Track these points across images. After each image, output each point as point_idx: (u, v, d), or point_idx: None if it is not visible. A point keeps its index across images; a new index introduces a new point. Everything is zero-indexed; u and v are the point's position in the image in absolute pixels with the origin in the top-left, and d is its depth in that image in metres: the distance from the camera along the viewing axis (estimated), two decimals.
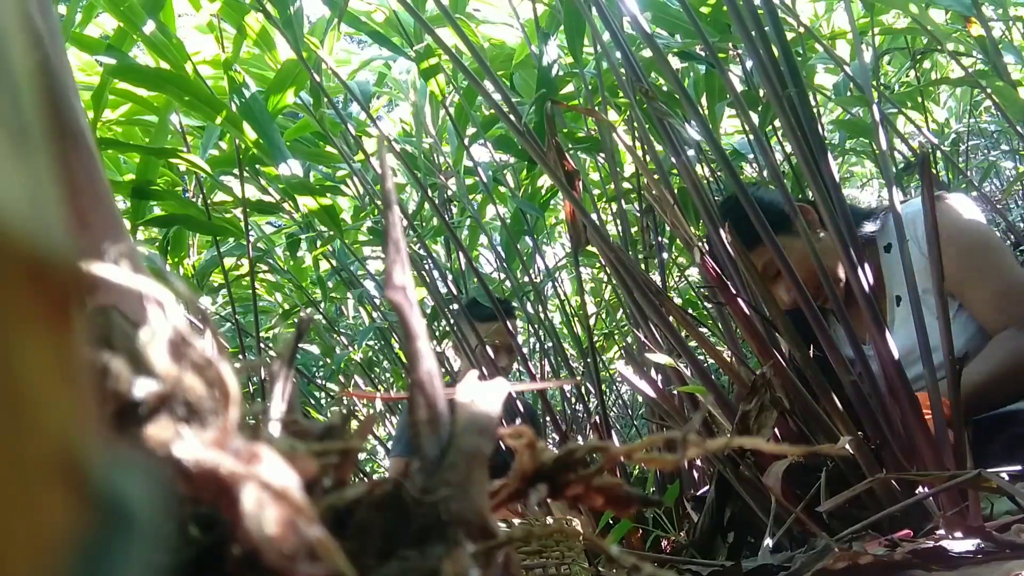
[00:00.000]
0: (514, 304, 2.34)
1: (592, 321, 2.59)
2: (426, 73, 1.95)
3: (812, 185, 1.12)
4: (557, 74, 1.79)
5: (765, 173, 1.93)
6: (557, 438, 2.12)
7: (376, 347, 2.94)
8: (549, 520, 0.92)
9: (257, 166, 1.94)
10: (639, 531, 1.41)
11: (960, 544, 0.68)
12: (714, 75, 1.95)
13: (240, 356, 2.10)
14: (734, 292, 1.17)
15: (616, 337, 2.98)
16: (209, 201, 1.97)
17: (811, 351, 1.15)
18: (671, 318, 1.30)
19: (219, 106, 1.61)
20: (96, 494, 0.15)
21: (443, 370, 2.33)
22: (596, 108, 1.86)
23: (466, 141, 2.11)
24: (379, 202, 2.04)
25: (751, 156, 2.18)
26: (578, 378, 2.62)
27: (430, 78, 1.98)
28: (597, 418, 2.25)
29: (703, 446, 0.25)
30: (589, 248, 1.70)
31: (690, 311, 2.30)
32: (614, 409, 3.47)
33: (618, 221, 1.99)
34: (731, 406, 1.26)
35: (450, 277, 2.36)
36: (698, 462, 1.73)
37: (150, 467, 0.18)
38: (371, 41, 2.00)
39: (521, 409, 2.06)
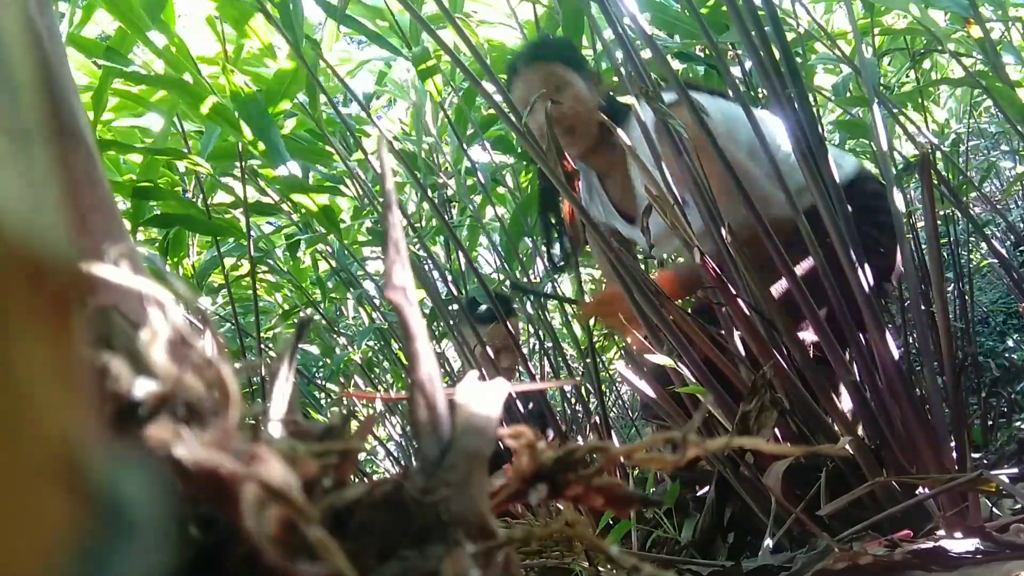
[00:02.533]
0: (515, 305, 2.34)
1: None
2: (424, 74, 1.95)
3: (812, 185, 1.12)
4: None
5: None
6: (557, 438, 2.12)
7: (376, 347, 2.94)
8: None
9: (254, 163, 1.94)
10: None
11: (960, 544, 0.68)
12: (714, 76, 1.95)
13: (240, 356, 2.10)
14: (734, 292, 1.17)
15: (616, 337, 2.98)
16: (209, 202, 1.97)
17: (811, 352, 1.15)
18: (671, 318, 1.30)
19: (220, 108, 1.61)
20: (96, 494, 0.15)
21: (443, 370, 2.32)
22: None
23: (464, 143, 2.11)
24: (378, 202, 2.04)
25: None
26: (578, 378, 2.62)
27: (427, 79, 1.99)
28: (597, 418, 2.25)
29: (703, 446, 0.25)
30: (589, 248, 1.69)
31: (690, 311, 2.30)
32: (614, 409, 3.47)
33: None
34: (731, 406, 1.26)
35: (450, 277, 2.36)
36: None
37: (150, 467, 0.18)
38: (370, 41, 2.00)
39: (528, 407, 2.05)
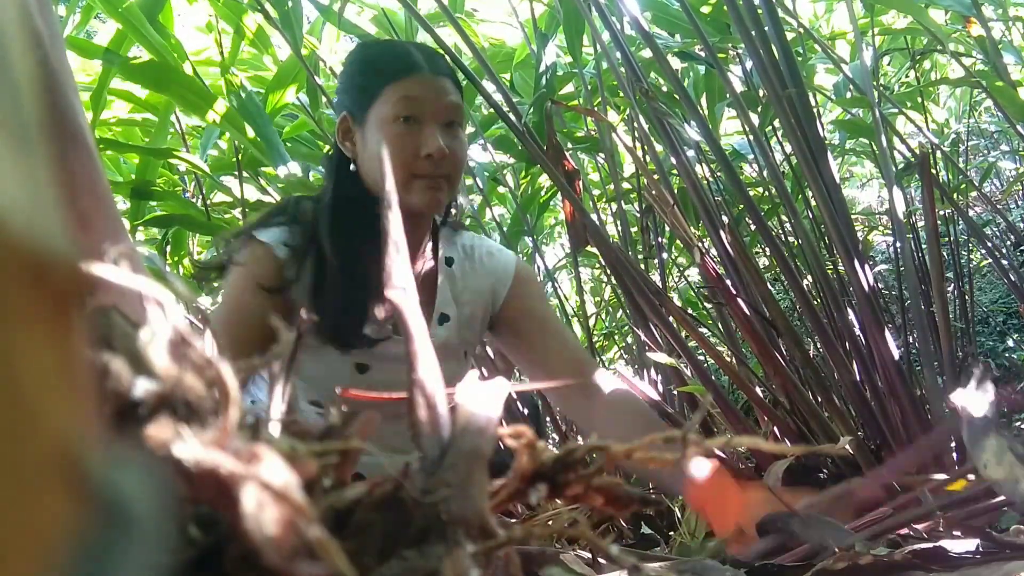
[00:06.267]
0: None
1: (592, 321, 2.59)
2: None
3: (812, 185, 1.12)
4: (554, 74, 1.79)
5: (765, 173, 1.93)
6: (557, 438, 2.12)
7: None
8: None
9: (258, 168, 1.94)
10: None
11: (960, 544, 0.68)
12: (714, 75, 1.95)
13: None
14: (734, 292, 1.17)
15: (616, 337, 2.98)
16: (208, 201, 1.97)
17: (810, 351, 1.15)
18: (671, 318, 1.30)
19: (217, 105, 1.61)
20: (96, 494, 0.15)
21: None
22: (596, 108, 1.87)
23: None
24: None
25: (751, 156, 2.18)
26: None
27: None
28: None
29: (703, 445, 0.25)
30: (589, 248, 1.70)
31: (690, 311, 2.30)
32: None
33: (618, 221, 1.99)
34: (731, 406, 1.26)
35: None
36: None
37: (150, 467, 0.18)
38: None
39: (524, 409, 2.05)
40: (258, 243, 1.10)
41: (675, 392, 1.68)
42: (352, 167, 1.13)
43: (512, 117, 1.39)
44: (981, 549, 0.67)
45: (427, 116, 1.07)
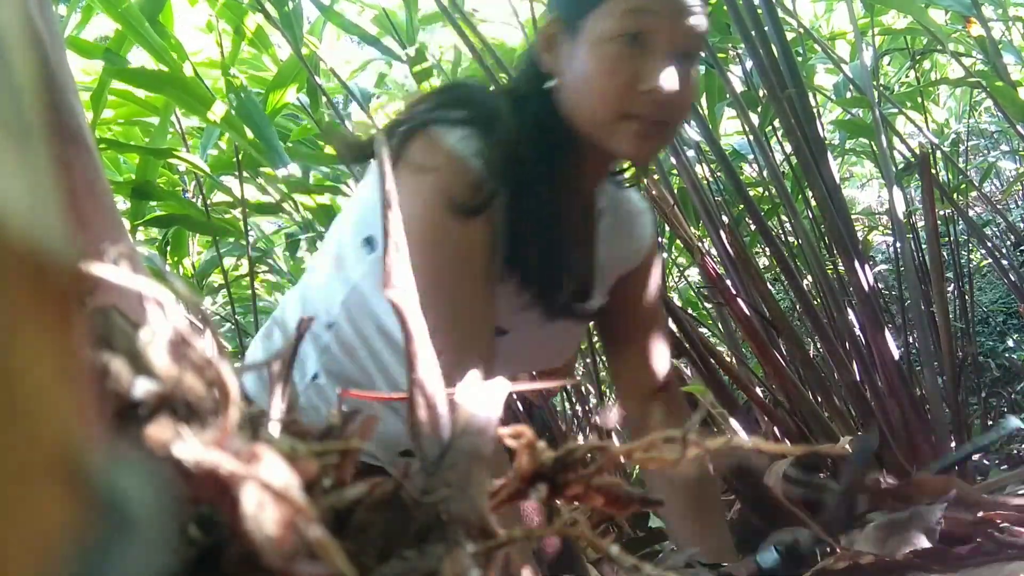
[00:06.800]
0: None
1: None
2: (420, 76, 1.95)
3: (812, 185, 1.12)
4: None
5: (765, 173, 1.93)
6: (556, 438, 2.12)
7: None
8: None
9: (259, 168, 1.94)
10: None
11: (960, 544, 0.68)
12: (714, 75, 1.95)
13: (240, 356, 2.10)
14: (734, 292, 1.17)
15: None
16: (209, 201, 1.97)
17: (810, 351, 1.15)
18: (671, 318, 1.30)
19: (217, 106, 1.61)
20: (96, 494, 0.15)
21: None
22: None
23: None
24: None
25: (751, 156, 2.18)
26: (578, 378, 2.62)
27: (423, 81, 1.98)
28: (597, 418, 2.25)
29: (703, 446, 0.25)
30: None
31: (690, 311, 2.30)
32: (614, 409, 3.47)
33: None
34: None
35: None
36: None
37: (150, 467, 0.18)
38: (363, 43, 2.01)
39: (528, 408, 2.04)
40: (447, 150, 0.82)
41: None
42: (547, 86, 0.87)
43: None
44: (981, 549, 0.67)
45: (659, 39, 0.82)
